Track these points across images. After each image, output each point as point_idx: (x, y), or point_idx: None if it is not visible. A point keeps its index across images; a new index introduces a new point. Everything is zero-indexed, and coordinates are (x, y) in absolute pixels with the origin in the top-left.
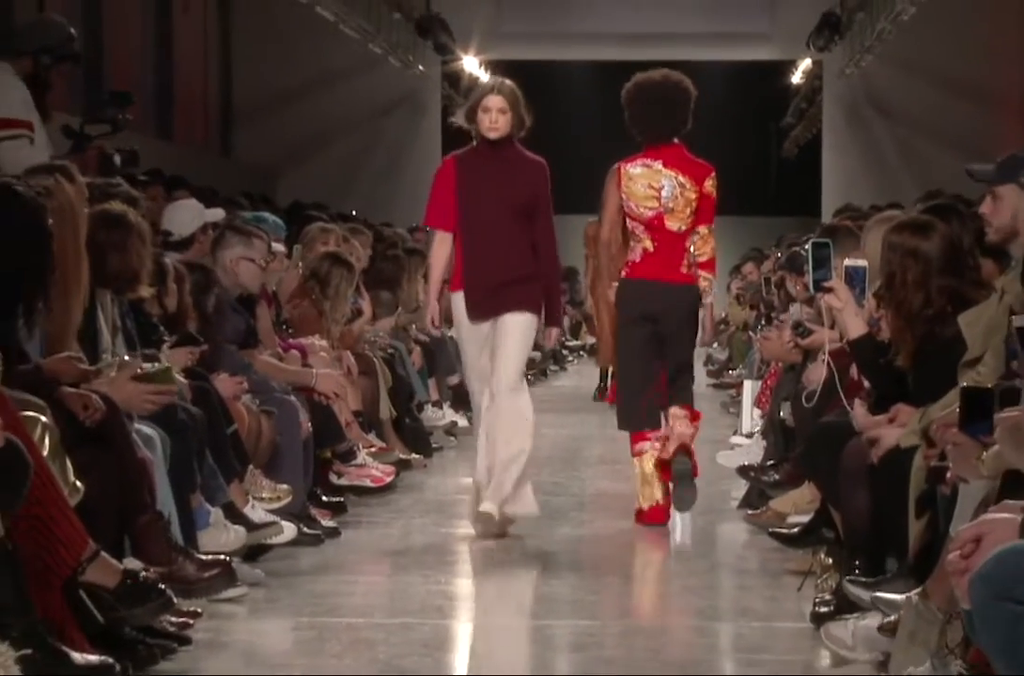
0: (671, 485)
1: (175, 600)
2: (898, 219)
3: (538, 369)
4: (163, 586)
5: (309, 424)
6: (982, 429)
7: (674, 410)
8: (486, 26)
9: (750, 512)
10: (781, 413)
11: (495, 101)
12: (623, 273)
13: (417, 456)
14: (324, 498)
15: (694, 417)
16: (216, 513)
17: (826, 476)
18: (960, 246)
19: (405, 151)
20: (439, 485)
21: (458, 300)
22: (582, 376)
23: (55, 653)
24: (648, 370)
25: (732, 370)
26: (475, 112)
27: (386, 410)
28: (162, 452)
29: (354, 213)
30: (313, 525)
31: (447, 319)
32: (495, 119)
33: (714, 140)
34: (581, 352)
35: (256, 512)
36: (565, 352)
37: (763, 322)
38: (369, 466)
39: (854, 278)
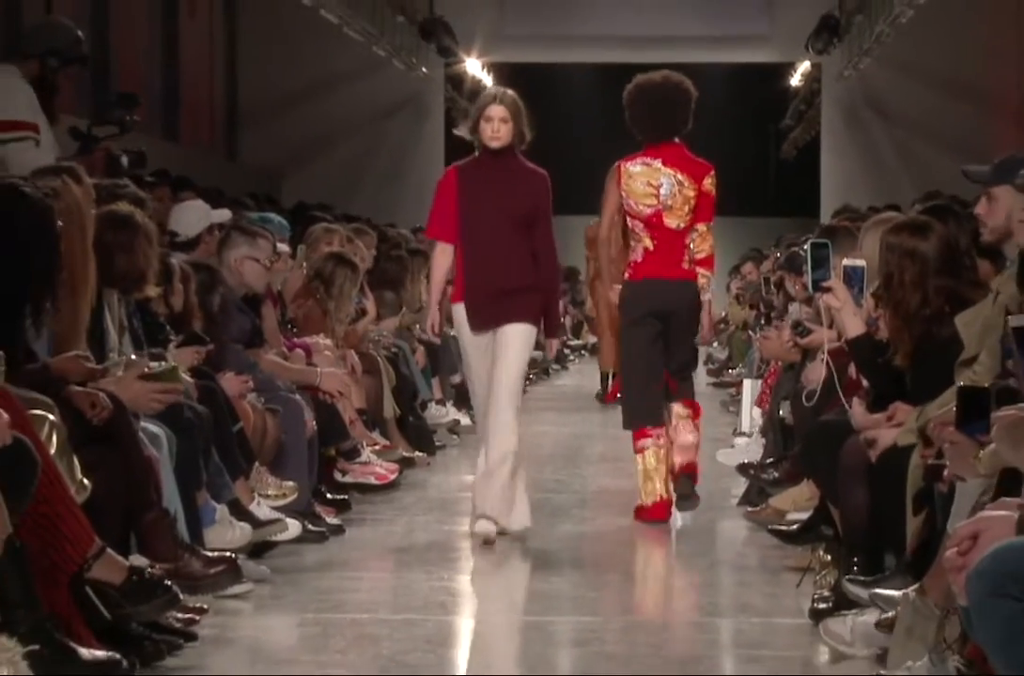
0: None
1: (181, 596)
2: (896, 220)
3: (540, 368)
4: (169, 582)
5: (314, 422)
6: (979, 428)
7: (677, 408)
8: (489, 29)
9: (750, 509)
10: (780, 412)
11: (497, 111)
12: (626, 274)
13: (420, 454)
14: (328, 495)
15: (696, 414)
16: (222, 510)
17: (825, 474)
18: (957, 247)
19: (408, 153)
20: (442, 483)
21: (459, 311)
22: (583, 375)
23: (62, 649)
24: (653, 370)
25: (732, 369)
26: (477, 122)
27: (390, 408)
28: (168, 450)
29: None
30: (318, 522)
31: (447, 319)
32: (497, 128)
33: (714, 142)
34: (583, 351)
35: (261, 509)
36: (567, 351)
37: (763, 322)
38: (373, 464)
39: (852, 278)
